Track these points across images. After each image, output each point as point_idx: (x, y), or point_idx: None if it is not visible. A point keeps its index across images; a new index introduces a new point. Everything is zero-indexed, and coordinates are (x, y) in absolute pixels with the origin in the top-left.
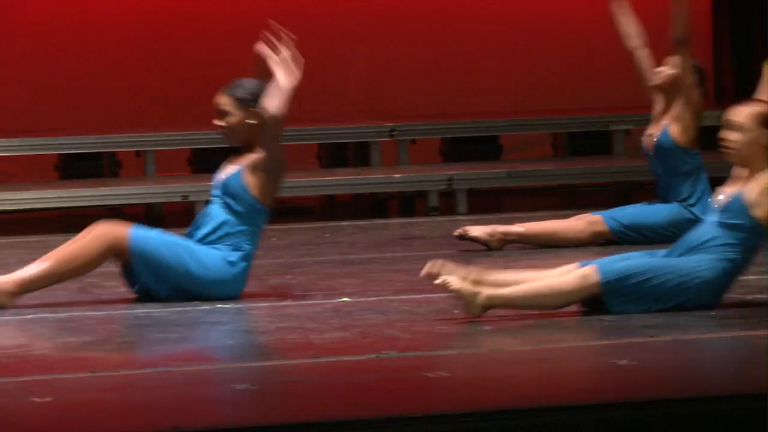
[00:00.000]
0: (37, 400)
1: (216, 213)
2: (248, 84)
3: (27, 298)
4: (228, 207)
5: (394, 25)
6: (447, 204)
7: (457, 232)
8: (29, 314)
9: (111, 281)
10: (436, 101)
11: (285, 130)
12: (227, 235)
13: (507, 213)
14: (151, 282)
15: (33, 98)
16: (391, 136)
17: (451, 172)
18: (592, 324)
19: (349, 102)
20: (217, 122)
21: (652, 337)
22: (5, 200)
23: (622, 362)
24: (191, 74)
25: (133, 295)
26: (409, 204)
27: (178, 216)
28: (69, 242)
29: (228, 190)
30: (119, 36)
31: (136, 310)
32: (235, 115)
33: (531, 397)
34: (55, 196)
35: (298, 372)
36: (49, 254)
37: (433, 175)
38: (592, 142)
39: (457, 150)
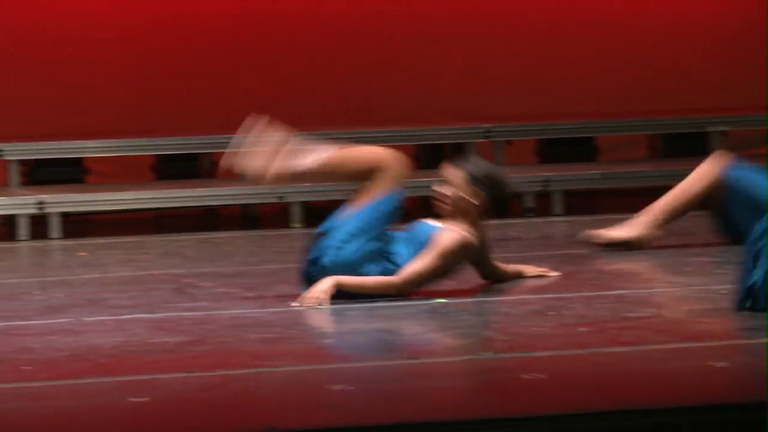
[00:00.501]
0: (134, 400)
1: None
2: (481, 163)
3: (123, 298)
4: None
5: (490, 26)
6: (543, 205)
7: (592, 238)
8: (125, 314)
9: (207, 281)
10: (532, 102)
11: (381, 131)
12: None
13: (603, 214)
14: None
15: (131, 99)
16: (487, 137)
17: (547, 174)
18: (687, 327)
19: (444, 103)
20: (440, 190)
21: (749, 339)
22: (103, 201)
23: (720, 364)
24: (290, 76)
25: (228, 296)
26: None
27: (274, 217)
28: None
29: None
30: (215, 37)
31: (232, 311)
32: (461, 190)
33: (627, 400)
34: (152, 196)
35: (394, 373)
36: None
37: (528, 177)
38: (688, 144)
39: (552, 151)
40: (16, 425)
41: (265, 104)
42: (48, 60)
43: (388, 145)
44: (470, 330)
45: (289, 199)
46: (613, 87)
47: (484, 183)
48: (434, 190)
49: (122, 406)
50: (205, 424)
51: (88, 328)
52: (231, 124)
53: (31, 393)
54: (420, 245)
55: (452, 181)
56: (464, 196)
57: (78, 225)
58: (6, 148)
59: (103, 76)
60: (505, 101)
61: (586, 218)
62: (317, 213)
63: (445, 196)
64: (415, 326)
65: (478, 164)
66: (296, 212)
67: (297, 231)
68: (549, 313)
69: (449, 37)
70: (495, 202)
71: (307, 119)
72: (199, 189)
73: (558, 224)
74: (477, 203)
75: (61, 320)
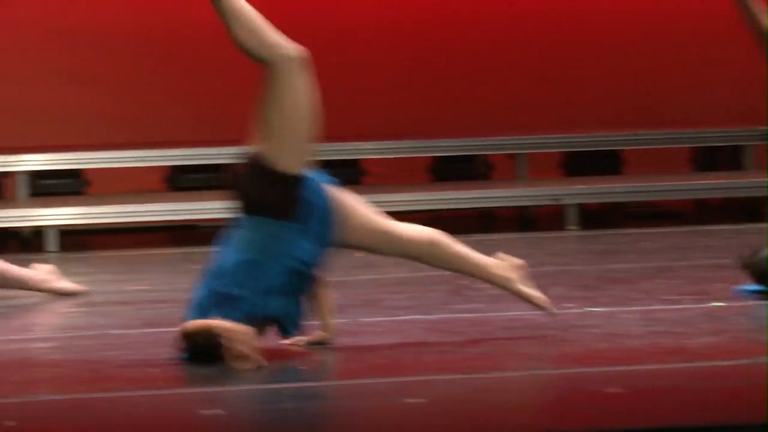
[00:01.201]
0: (410, 401)
1: None
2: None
3: (398, 299)
4: None
5: None
6: None
7: None
8: (401, 315)
9: (483, 283)
10: None
11: (659, 133)
12: None
13: None
14: None
15: (408, 101)
16: (764, 139)
17: None
18: None
19: (721, 105)
20: None
21: None
22: (379, 203)
23: None
24: (562, 77)
25: (504, 298)
26: None
27: (550, 219)
28: None
29: None
30: (493, 38)
31: (508, 313)
32: None
33: None
34: (428, 198)
35: (669, 376)
36: None
37: None
38: None
39: None
40: (293, 428)
41: (537, 106)
42: (326, 62)
43: (660, 148)
44: (748, 333)
45: (566, 201)
46: None
47: None
48: None
49: (399, 406)
50: (480, 426)
51: (364, 329)
52: (506, 126)
53: (309, 394)
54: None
55: None
56: None
57: None
58: None
59: (380, 77)
60: None
61: None
62: (593, 215)
63: None
64: (691, 329)
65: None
66: (572, 214)
67: (573, 233)
68: None
69: (728, 39)
70: None
71: (579, 122)
72: (474, 191)
73: None
74: None
75: (338, 321)
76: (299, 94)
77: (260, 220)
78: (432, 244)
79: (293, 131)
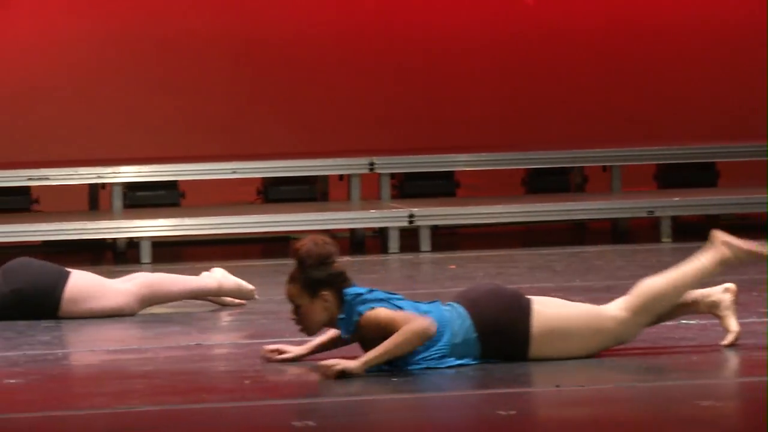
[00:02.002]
0: (502, 413)
1: None
2: None
3: None
4: None
5: None
6: None
7: None
8: None
9: (576, 295)
10: None
11: None
12: None
13: None
14: None
15: (503, 113)
16: None
17: None
18: None
19: None
20: None
21: None
22: (473, 214)
23: None
24: (657, 89)
25: None
26: None
27: (644, 231)
28: None
29: None
30: (588, 52)
31: None
32: None
33: None
34: (522, 210)
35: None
36: None
37: None
38: None
39: None
40: None
41: (631, 118)
42: (423, 75)
43: (759, 160)
44: None
45: (659, 214)
46: None
47: None
48: None
49: (491, 418)
50: None
51: None
52: (601, 138)
53: (400, 406)
54: None
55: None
56: None
57: (447, 238)
58: (378, 162)
59: (474, 90)
60: None
61: None
62: (687, 228)
63: None
64: None
65: None
66: (666, 227)
67: (667, 245)
68: None
69: None
70: None
71: (673, 134)
72: (568, 203)
73: None
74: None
75: None
76: None
77: None
78: None
79: None
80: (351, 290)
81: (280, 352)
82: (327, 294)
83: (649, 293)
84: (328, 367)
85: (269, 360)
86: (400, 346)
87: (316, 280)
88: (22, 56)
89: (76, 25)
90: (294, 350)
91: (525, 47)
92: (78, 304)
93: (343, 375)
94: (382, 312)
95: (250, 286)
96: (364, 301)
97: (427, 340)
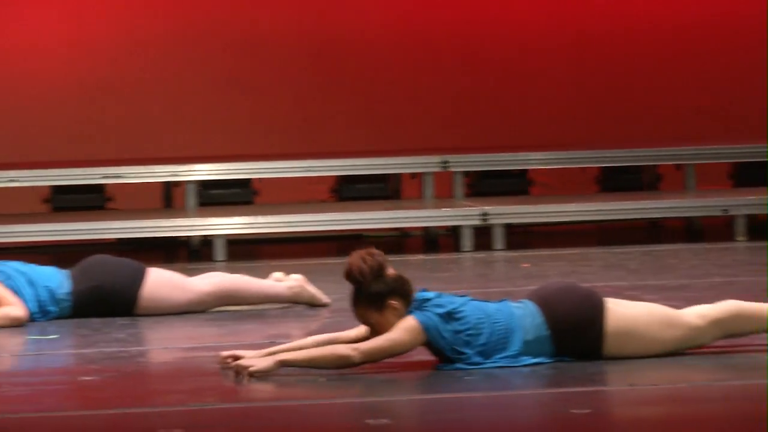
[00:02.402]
0: (576, 411)
1: None
2: None
3: None
4: None
5: None
6: None
7: None
8: None
9: (651, 294)
10: None
11: None
12: None
13: None
14: None
15: (575, 111)
16: None
17: None
18: None
19: None
20: None
21: None
22: (546, 213)
23: None
24: (731, 87)
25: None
26: None
27: (718, 230)
28: None
29: None
30: (660, 50)
31: None
32: None
33: None
34: (595, 209)
35: None
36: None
37: None
38: None
39: None
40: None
41: (705, 116)
42: (496, 74)
43: None
44: None
45: (734, 212)
46: None
47: None
48: None
49: (565, 417)
50: None
51: None
52: (675, 136)
53: (473, 404)
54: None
55: None
56: None
57: (521, 236)
58: (452, 160)
59: (547, 88)
60: None
61: None
62: (762, 227)
63: None
64: None
65: None
66: (741, 225)
67: (741, 244)
68: None
69: None
70: None
71: (749, 132)
72: (642, 201)
73: None
74: None
75: None
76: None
77: None
78: None
79: None
80: (420, 294)
81: (235, 358)
82: (393, 302)
83: (732, 311)
84: (244, 367)
85: (224, 367)
86: (320, 360)
87: (378, 294)
88: (97, 55)
89: (152, 25)
90: (248, 354)
91: (599, 45)
92: (155, 300)
93: (257, 374)
94: (409, 322)
95: (326, 299)
96: (422, 308)
97: (342, 368)
